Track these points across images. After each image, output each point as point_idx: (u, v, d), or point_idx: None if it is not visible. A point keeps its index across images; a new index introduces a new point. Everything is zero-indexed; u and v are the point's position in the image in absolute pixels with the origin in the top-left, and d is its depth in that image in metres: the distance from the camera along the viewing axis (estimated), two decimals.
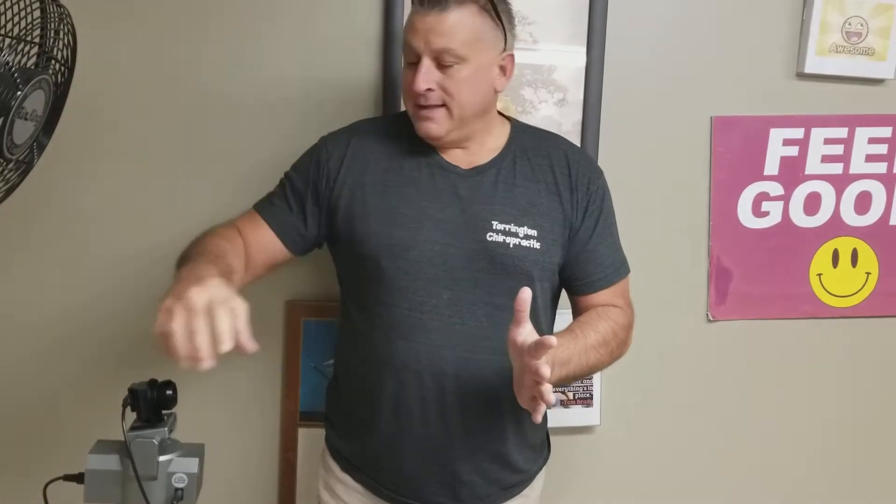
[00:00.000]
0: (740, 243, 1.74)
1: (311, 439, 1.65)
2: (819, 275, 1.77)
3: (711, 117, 1.70)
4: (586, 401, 1.72)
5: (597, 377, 1.71)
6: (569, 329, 1.25)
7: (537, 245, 1.27)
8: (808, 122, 1.71)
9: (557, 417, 1.70)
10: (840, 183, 1.74)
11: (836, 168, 1.74)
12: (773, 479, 1.85)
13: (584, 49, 1.63)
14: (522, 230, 1.27)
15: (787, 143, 1.71)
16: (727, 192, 1.72)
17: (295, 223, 1.31)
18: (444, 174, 1.29)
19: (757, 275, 1.75)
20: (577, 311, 1.36)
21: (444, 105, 1.24)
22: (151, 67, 1.55)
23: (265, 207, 1.33)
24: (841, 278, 1.77)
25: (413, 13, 1.24)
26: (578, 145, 1.58)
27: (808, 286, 1.77)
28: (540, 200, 1.30)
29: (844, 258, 1.77)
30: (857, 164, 1.74)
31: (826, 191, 1.74)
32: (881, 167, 1.74)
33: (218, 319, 0.86)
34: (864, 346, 1.81)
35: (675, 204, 1.72)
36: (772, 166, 1.72)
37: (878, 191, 1.75)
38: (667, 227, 1.73)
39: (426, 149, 1.31)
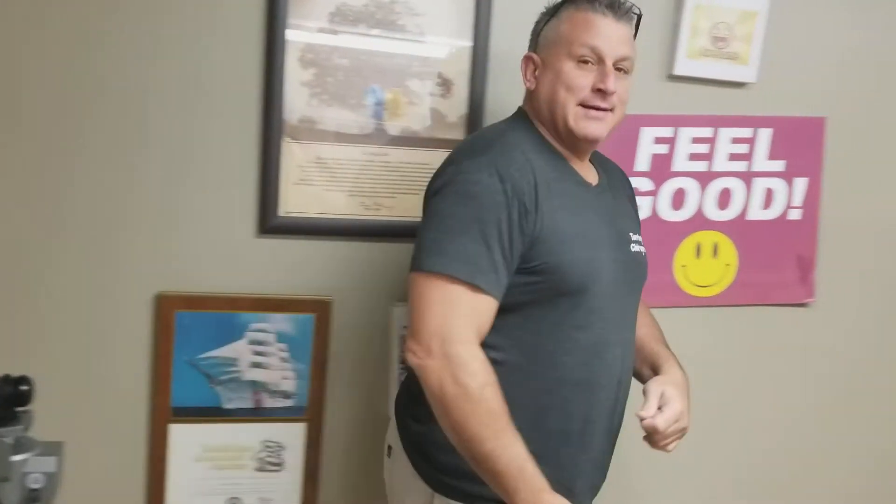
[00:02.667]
0: None
1: (183, 435, 1.60)
2: (683, 266, 1.86)
3: None
4: None
5: None
6: (657, 351, 1.41)
7: (644, 251, 1.39)
8: (677, 122, 1.80)
9: None
10: (704, 180, 1.84)
11: (702, 166, 1.83)
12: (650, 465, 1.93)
13: (470, 43, 1.64)
14: (641, 238, 1.40)
15: (657, 141, 1.79)
16: None
17: (505, 280, 1.19)
18: (589, 191, 1.32)
19: None
20: None
21: (612, 109, 1.27)
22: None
23: (481, 278, 1.16)
24: (703, 269, 1.87)
25: (595, 16, 1.25)
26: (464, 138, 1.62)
27: (673, 277, 1.86)
28: (633, 210, 1.47)
29: (706, 250, 1.87)
30: (721, 163, 1.84)
31: (692, 187, 1.83)
32: (742, 165, 1.85)
33: None
34: (723, 333, 1.92)
35: None
36: (643, 163, 1.80)
37: (738, 188, 1.86)
38: None
39: (568, 164, 1.31)
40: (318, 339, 1.64)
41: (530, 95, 1.35)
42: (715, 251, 1.88)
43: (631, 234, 1.35)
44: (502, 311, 1.21)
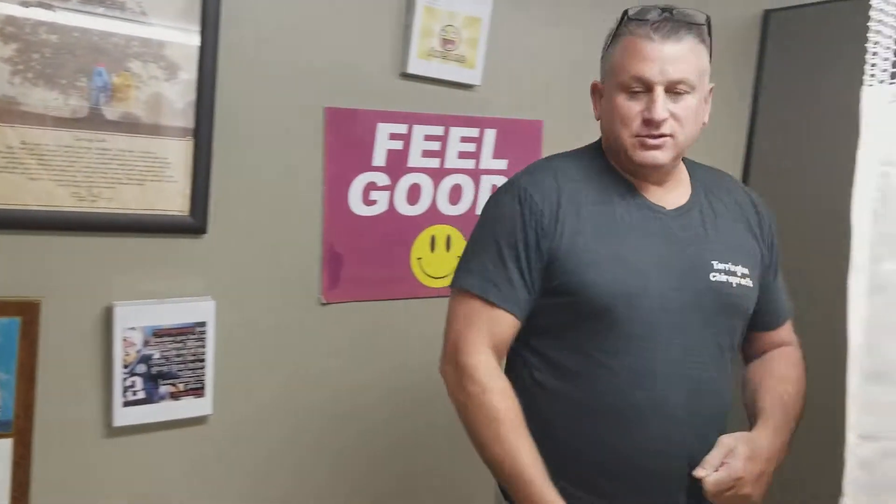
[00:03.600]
0: (351, 230, 1.82)
1: None
2: (419, 259, 1.92)
3: (324, 108, 1.75)
4: (198, 391, 1.66)
5: (208, 364, 1.65)
6: (763, 407, 1.26)
7: (751, 283, 1.27)
8: (411, 119, 1.85)
9: (166, 411, 1.62)
10: (437, 175, 1.91)
11: (434, 162, 1.90)
12: (389, 455, 1.96)
13: (197, 28, 1.56)
14: (739, 269, 1.26)
15: (392, 137, 1.83)
16: (339, 181, 1.79)
17: (525, 296, 1.23)
18: (656, 216, 1.26)
19: (366, 259, 1.85)
20: (757, 347, 1.38)
21: (672, 135, 1.20)
22: None
23: (494, 293, 1.22)
24: (437, 262, 1.95)
25: (640, 41, 1.18)
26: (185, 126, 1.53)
27: (410, 269, 1.91)
28: (744, 239, 1.30)
29: (440, 244, 1.95)
30: (451, 160, 1.93)
31: (426, 182, 1.90)
32: (470, 163, 1.95)
33: None
34: None
35: (291, 191, 1.74)
36: (379, 158, 1.83)
37: (467, 184, 1.96)
38: (282, 214, 1.74)
39: (630, 189, 1.27)
40: (24, 345, 1.47)
41: (600, 123, 1.32)
42: (448, 244, 1.97)
43: (715, 262, 1.24)
44: (540, 332, 1.26)
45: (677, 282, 1.22)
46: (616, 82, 1.22)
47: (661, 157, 1.22)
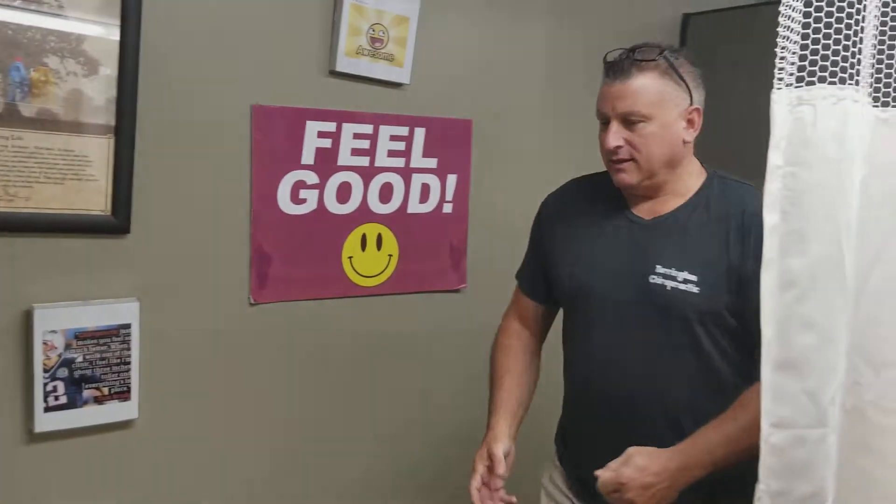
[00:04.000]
0: (280, 229, 1.80)
1: None
2: (350, 257, 1.92)
3: (251, 106, 1.73)
4: (123, 395, 1.62)
5: (134, 367, 1.62)
6: (722, 417, 1.30)
7: (695, 289, 1.34)
8: (340, 118, 1.85)
9: (91, 415, 1.58)
10: (367, 174, 1.92)
11: (364, 161, 1.90)
12: (319, 456, 1.96)
13: (117, 22, 1.53)
14: (683, 275, 1.36)
15: (321, 135, 1.83)
16: (267, 179, 1.77)
17: (540, 283, 1.58)
18: (628, 225, 1.44)
19: (295, 259, 1.84)
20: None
21: (632, 159, 1.37)
22: None
23: (520, 278, 1.65)
24: (368, 260, 1.95)
25: (604, 83, 1.39)
26: (112, 125, 1.50)
27: (341, 268, 1.91)
28: (706, 248, 1.37)
29: (371, 242, 1.95)
30: (381, 158, 1.93)
31: (356, 181, 1.90)
32: (400, 162, 1.96)
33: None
34: (388, 320, 2.02)
35: (217, 190, 1.72)
36: (308, 156, 1.82)
37: (398, 182, 1.97)
38: (208, 213, 1.71)
39: (619, 203, 1.46)
40: None
41: None
42: (379, 243, 1.97)
43: (659, 266, 1.37)
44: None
45: (623, 281, 1.40)
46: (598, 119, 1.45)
47: (626, 178, 1.40)
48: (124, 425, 1.65)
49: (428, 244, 2.05)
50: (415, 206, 2.01)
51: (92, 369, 1.57)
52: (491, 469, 1.41)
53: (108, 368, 1.60)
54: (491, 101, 2.11)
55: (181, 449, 1.74)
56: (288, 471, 1.91)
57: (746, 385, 1.32)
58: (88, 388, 1.58)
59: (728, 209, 1.39)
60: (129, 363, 1.62)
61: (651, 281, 1.37)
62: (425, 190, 2.01)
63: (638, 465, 1.28)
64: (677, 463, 1.28)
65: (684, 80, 1.38)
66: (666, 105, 1.36)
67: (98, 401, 1.59)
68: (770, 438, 0.93)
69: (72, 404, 1.56)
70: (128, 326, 1.61)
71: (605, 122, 1.40)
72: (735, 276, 1.35)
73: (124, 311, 1.61)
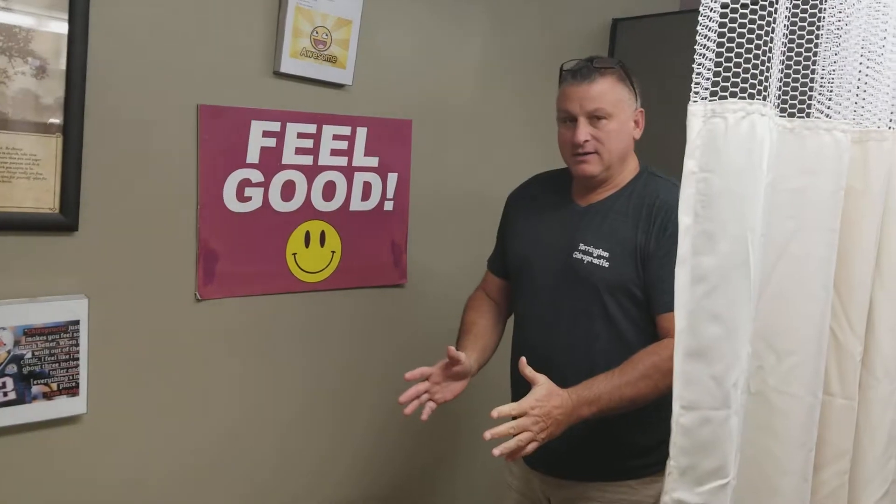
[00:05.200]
0: (226, 226, 1.85)
1: None
2: (294, 254, 1.98)
3: (198, 105, 1.77)
4: (72, 390, 1.65)
5: (82, 363, 1.65)
6: (614, 369, 1.48)
7: (605, 264, 1.57)
8: (284, 117, 1.90)
9: (39, 411, 1.61)
10: (311, 173, 1.97)
11: (308, 160, 1.96)
12: (268, 451, 2.01)
13: (66, 16, 1.55)
14: (598, 252, 1.59)
15: (266, 134, 1.88)
16: (213, 178, 1.81)
17: (501, 261, 1.82)
18: (568, 211, 1.67)
19: (241, 255, 1.88)
20: (657, 332, 1.56)
21: (596, 152, 1.57)
22: None
23: (490, 261, 1.88)
24: (312, 257, 2.01)
25: (567, 86, 1.59)
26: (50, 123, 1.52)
27: (285, 264, 1.97)
28: (620, 229, 1.58)
29: (315, 239, 2.01)
30: (324, 157, 1.99)
31: (300, 179, 1.96)
32: (343, 161, 2.02)
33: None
34: (331, 315, 2.09)
35: (165, 188, 1.75)
36: (253, 155, 1.87)
37: (340, 181, 2.03)
38: (156, 211, 1.75)
39: (567, 193, 1.70)
40: None
41: None
42: (322, 240, 2.03)
43: (581, 244, 1.61)
44: None
45: (555, 256, 1.65)
46: (558, 118, 1.64)
47: (589, 168, 1.60)
48: (73, 420, 1.68)
49: (370, 241, 2.12)
50: (357, 204, 2.07)
51: (41, 365, 1.60)
52: (444, 369, 1.61)
53: (57, 364, 1.63)
54: (430, 102, 2.19)
55: (129, 443, 1.78)
56: (234, 464, 1.96)
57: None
58: (37, 384, 1.60)
59: (644, 198, 1.62)
60: (77, 359, 1.65)
61: (574, 256, 1.61)
62: (367, 188, 2.08)
63: (538, 395, 1.44)
64: (573, 401, 1.45)
65: (633, 86, 1.62)
66: (622, 106, 1.60)
67: (47, 396, 1.62)
68: (680, 419, 1.04)
69: (20, 400, 1.58)
70: (76, 323, 1.64)
71: (570, 120, 1.60)
72: (641, 254, 1.58)
73: (73, 308, 1.63)
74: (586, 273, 1.60)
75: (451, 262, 2.29)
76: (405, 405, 1.57)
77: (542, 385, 1.45)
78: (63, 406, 1.65)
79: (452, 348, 1.59)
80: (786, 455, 1.19)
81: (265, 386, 1.99)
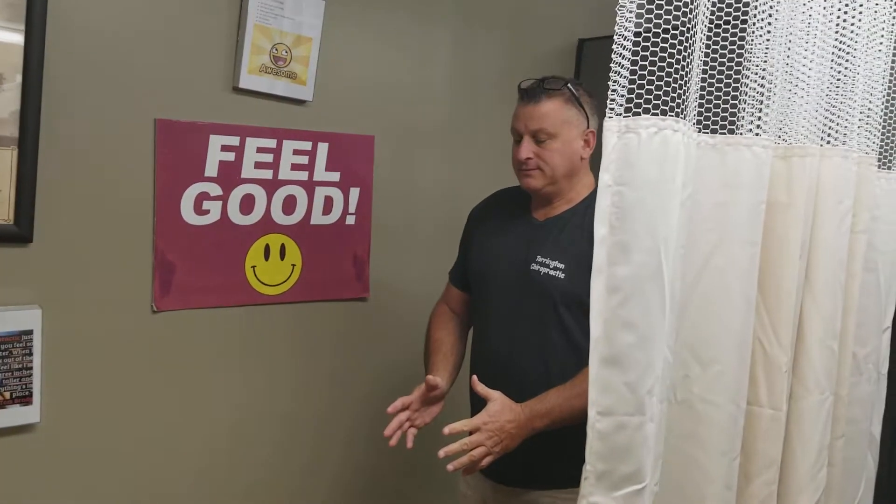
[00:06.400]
0: (183, 239, 1.87)
1: None
2: (253, 267, 2.00)
3: (155, 119, 1.80)
4: (25, 398, 1.67)
5: (36, 372, 1.67)
6: (565, 383, 1.55)
7: (561, 276, 1.61)
8: (244, 132, 1.93)
9: None
10: (271, 187, 2.00)
11: (268, 174, 1.99)
12: (223, 463, 2.03)
13: (21, 28, 1.58)
14: (554, 263, 1.63)
15: (224, 148, 1.90)
16: (170, 190, 1.84)
17: (462, 274, 1.85)
18: (526, 225, 1.72)
19: (199, 267, 1.91)
20: None
21: (539, 168, 1.63)
22: None
23: (451, 273, 1.91)
24: (271, 270, 2.03)
25: (517, 105, 1.66)
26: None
27: (244, 277, 1.99)
28: (576, 242, 1.61)
29: (274, 252, 2.03)
30: (285, 171, 2.02)
31: (259, 193, 1.98)
32: (303, 175, 2.05)
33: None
34: (291, 328, 2.11)
35: (121, 200, 1.78)
36: (212, 169, 1.89)
37: (301, 195, 2.06)
38: (112, 222, 1.77)
39: (526, 207, 1.74)
40: None
41: None
42: (282, 253, 2.05)
43: (539, 256, 1.65)
44: None
45: (513, 268, 1.69)
46: (512, 136, 1.70)
47: (532, 182, 1.66)
48: (26, 429, 1.70)
49: (332, 254, 2.14)
50: (318, 218, 2.10)
51: None
52: (422, 395, 1.64)
53: (10, 374, 1.64)
54: (393, 118, 2.22)
55: (83, 452, 1.79)
56: (190, 475, 1.97)
57: None
58: None
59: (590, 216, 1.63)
60: (31, 368, 1.67)
61: (531, 268, 1.65)
62: (328, 202, 2.11)
63: (490, 411, 1.51)
64: (526, 415, 1.52)
65: (583, 107, 1.66)
66: (568, 126, 1.63)
67: None
68: (596, 425, 1.06)
69: None
70: (30, 333, 1.66)
71: (517, 138, 1.67)
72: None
73: (26, 318, 1.65)
74: (543, 284, 1.64)
75: (414, 276, 2.32)
76: (383, 429, 1.60)
77: (496, 401, 1.52)
78: (16, 415, 1.66)
79: (431, 377, 1.63)
80: (710, 463, 1.21)
81: (223, 398, 2.00)
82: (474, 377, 1.57)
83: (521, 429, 1.51)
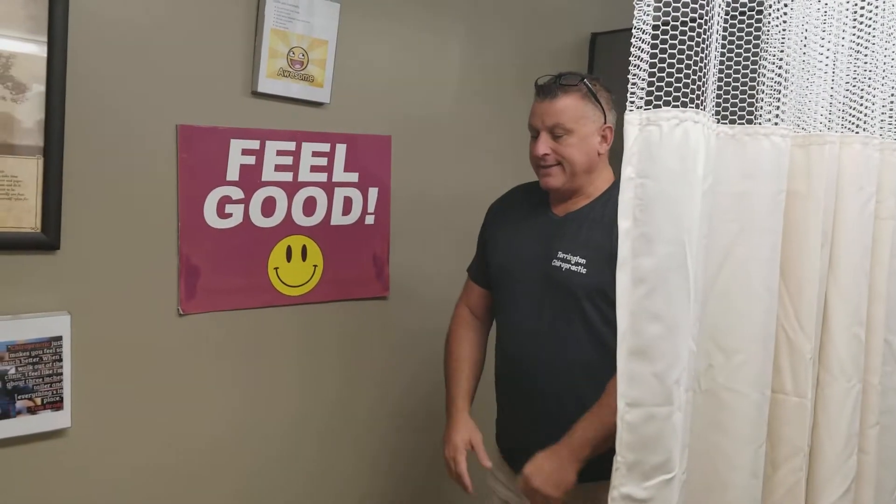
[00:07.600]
0: (207, 242, 1.89)
1: None
2: (276, 268, 2.02)
3: (177, 125, 1.82)
4: (56, 404, 1.69)
5: (66, 377, 1.69)
6: (597, 404, 1.56)
7: (583, 271, 1.62)
8: (263, 136, 1.95)
9: (24, 425, 1.65)
10: (291, 189, 2.02)
11: (287, 176, 2.01)
12: (253, 465, 2.05)
13: (44, 39, 1.60)
14: (575, 259, 1.63)
15: (245, 152, 1.93)
16: (193, 195, 1.86)
17: (483, 271, 1.86)
18: (546, 221, 1.73)
19: (223, 270, 1.93)
20: None
21: (558, 164, 1.64)
22: None
23: (470, 269, 1.93)
24: (294, 271, 2.06)
25: (534, 102, 1.66)
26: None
27: (267, 278, 2.01)
28: (596, 237, 1.62)
29: (296, 253, 2.06)
30: (304, 173, 2.04)
31: (280, 195, 2.00)
32: (323, 177, 2.07)
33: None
34: (315, 327, 2.13)
35: (146, 206, 1.80)
36: (233, 173, 1.92)
37: (321, 196, 2.08)
38: (137, 228, 1.79)
39: (545, 203, 1.75)
40: None
41: None
42: (304, 254, 2.07)
43: (560, 251, 1.66)
44: None
45: (534, 264, 1.69)
46: (530, 132, 1.71)
47: (552, 181, 1.67)
48: (58, 434, 1.72)
49: (352, 254, 2.16)
50: (338, 219, 2.12)
51: (25, 381, 1.64)
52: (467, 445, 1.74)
53: (41, 379, 1.67)
54: (410, 118, 2.24)
55: (114, 456, 1.81)
56: (219, 478, 2.00)
57: None
58: (21, 399, 1.64)
59: (609, 212, 1.63)
60: (61, 374, 1.69)
61: (553, 264, 1.66)
62: (348, 203, 2.13)
63: (535, 462, 1.59)
64: (567, 450, 1.56)
65: (600, 103, 1.65)
66: (584, 122, 1.64)
67: (31, 411, 1.66)
68: (625, 416, 1.07)
69: (5, 415, 1.63)
70: (59, 339, 1.68)
71: (535, 134, 1.67)
72: (615, 261, 1.59)
73: (56, 325, 1.68)
74: (565, 280, 1.65)
75: (433, 273, 2.33)
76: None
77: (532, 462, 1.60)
78: (47, 420, 1.69)
79: (486, 465, 1.76)
80: (735, 451, 1.22)
81: (250, 399, 2.03)
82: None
83: (569, 466, 1.56)
